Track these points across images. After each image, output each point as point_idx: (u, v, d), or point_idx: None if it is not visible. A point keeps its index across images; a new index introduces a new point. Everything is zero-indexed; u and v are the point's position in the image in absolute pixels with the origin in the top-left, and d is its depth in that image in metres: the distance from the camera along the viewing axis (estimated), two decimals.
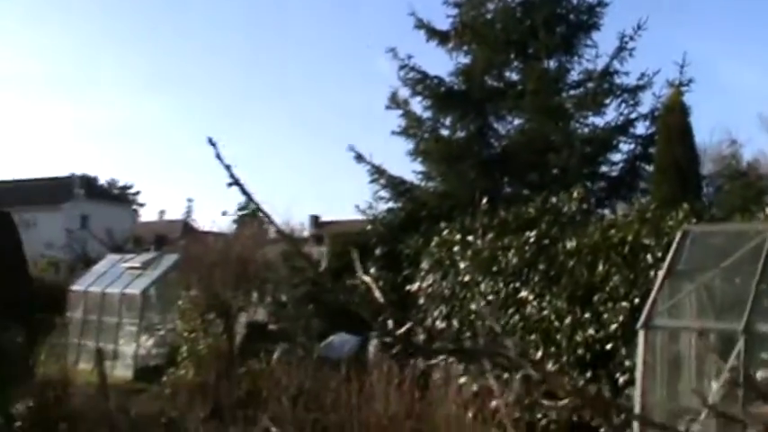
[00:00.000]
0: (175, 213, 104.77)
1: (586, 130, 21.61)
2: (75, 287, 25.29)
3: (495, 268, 13.32)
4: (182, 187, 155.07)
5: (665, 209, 12.07)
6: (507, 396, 9.28)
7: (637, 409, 8.35)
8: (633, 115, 21.20)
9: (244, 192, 3.00)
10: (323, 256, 21.47)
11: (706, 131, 41.72)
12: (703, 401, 6.33)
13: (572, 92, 21.99)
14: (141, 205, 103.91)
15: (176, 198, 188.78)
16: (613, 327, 11.00)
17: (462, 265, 14.00)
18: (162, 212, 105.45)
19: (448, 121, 22.52)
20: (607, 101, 21.29)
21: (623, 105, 21.16)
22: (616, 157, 21.60)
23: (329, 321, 18.75)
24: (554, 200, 14.51)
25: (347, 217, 36.70)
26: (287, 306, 21.08)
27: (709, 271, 9.11)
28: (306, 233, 55.40)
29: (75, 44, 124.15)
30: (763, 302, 8.48)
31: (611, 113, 21.35)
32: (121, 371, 21.05)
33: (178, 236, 49.32)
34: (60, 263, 43.03)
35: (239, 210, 36.34)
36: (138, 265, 23.78)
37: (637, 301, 10.65)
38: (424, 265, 15.29)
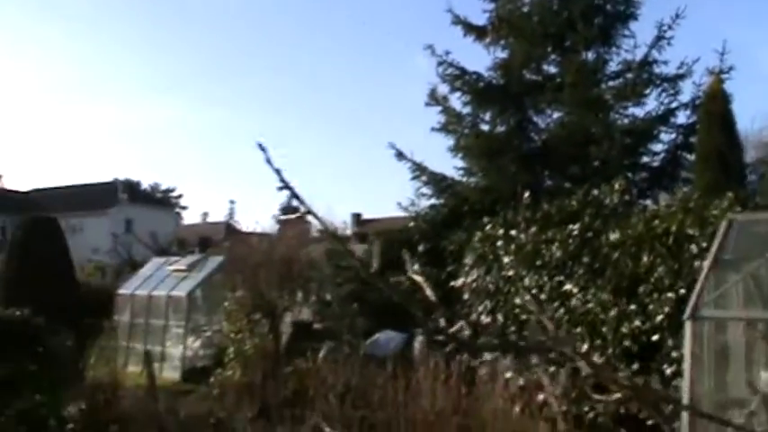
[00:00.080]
0: (218, 215, 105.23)
1: (626, 120, 21.48)
2: (121, 291, 25.57)
3: (538, 262, 13.29)
4: (224, 189, 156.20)
5: (708, 198, 11.99)
6: (555, 389, 9.30)
7: (685, 401, 8.30)
8: (674, 104, 21.06)
9: (294, 195, 3.05)
10: (371, 255, 21.48)
11: (747, 119, 41.18)
12: (753, 390, 6.30)
13: (611, 83, 21.87)
14: (184, 208, 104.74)
15: (219, 200, 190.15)
16: (659, 318, 10.93)
17: (506, 260, 13.98)
18: (205, 215, 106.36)
19: (487, 116, 22.51)
20: (647, 91, 21.15)
21: (663, 95, 21.03)
22: (657, 147, 21.47)
23: (374, 319, 18.79)
24: (596, 192, 14.45)
25: (389, 214, 36.83)
26: (332, 305, 21.16)
27: (756, 260, 9.03)
28: (348, 231, 55.48)
29: (114, 49, 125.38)
30: None
31: (651, 103, 21.23)
32: (169, 372, 21.24)
33: (221, 237, 49.62)
34: (106, 267, 43.49)
35: (282, 210, 36.50)
36: (183, 267, 23.97)
37: (682, 291, 10.58)
38: (468, 260, 15.28)
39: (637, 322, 11.23)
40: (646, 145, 21.28)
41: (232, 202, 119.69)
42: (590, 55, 21.89)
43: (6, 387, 12.02)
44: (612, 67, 21.93)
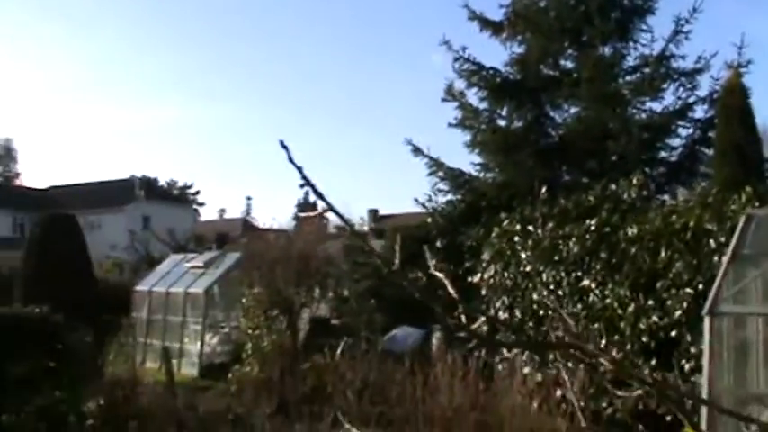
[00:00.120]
0: (235, 212, 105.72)
1: (644, 115, 21.39)
2: (139, 287, 25.65)
3: (556, 257, 13.27)
4: (240, 186, 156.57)
5: (726, 193, 11.94)
6: (573, 385, 9.28)
7: (704, 396, 8.29)
8: (691, 99, 20.94)
9: (316, 192, 3.06)
10: (393, 252, 21.49)
11: (766, 113, 41.00)
12: None
13: (628, 78, 21.77)
14: (201, 205, 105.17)
15: (235, 197, 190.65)
16: (677, 313, 10.91)
17: (523, 256, 13.97)
18: (222, 211, 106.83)
19: (504, 112, 22.45)
20: (664, 85, 21.05)
21: (681, 89, 20.92)
22: (675, 141, 21.34)
23: (392, 315, 18.81)
24: (614, 187, 14.43)
25: (406, 210, 36.88)
26: (349, 301, 21.19)
27: None
28: (366, 228, 55.54)
29: (128, 48, 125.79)
30: None
31: (668, 98, 21.12)
32: (187, 369, 21.30)
33: (239, 234, 49.69)
34: (124, 264, 43.62)
35: (299, 207, 36.57)
36: (200, 264, 24.04)
37: (700, 287, 10.56)
38: (485, 256, 15.27)
39: (655, 318, 11.20)
40: (663, 140, 21.18)
41: (249, 198, 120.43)
42: (607, 50, 21.81)
43: (26, 384, 12.08)
44: (630, 61, 21.86)
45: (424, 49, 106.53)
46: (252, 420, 13.18)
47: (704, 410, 7.23)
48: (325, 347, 15.30)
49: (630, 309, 11.53)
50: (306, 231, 20.96)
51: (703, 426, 7.48)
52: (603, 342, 11.51)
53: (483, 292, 14.96)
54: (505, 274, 14.41)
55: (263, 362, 16.55)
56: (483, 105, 22.43)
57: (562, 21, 21.71)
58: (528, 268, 13.77)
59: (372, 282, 20.34)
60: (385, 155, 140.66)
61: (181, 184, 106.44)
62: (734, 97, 15.46)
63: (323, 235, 21.87)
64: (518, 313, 13.79)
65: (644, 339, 11.30)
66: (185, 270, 24.33)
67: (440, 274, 3.39)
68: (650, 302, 11.35)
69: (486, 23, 22.41)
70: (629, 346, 11.38)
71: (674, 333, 10.93)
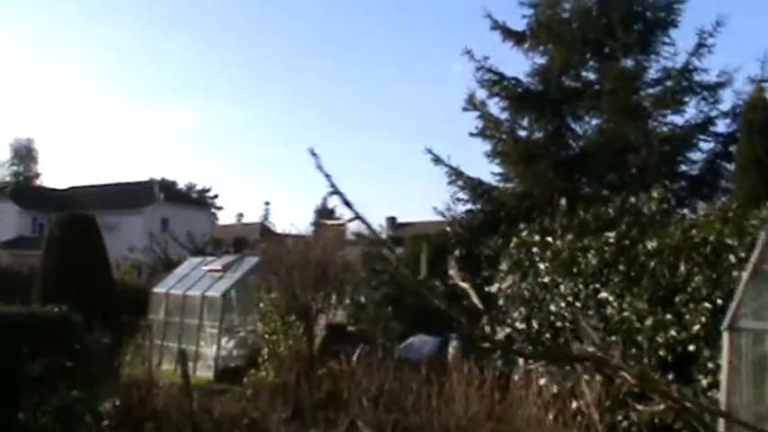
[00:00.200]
0: (253, 216, 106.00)
1: (665, 128, 21.36)
2: (156, 289, 25.73)
3: (574, 269, 13.23)
4: (258, 190, 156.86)
5: (747, 207, 11.90)
6: (589, 397, 9.25)
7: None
8: (713, 113, 20.94)
9: (344, 201, 3.07)
10: (412, 260, 21.49)
11: None
12: None
13: (650, 90, 21.75)
14: (219, 209, 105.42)
15: (253, 201, 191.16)
16: (695, 328, 10.85)
17: (542, 266, 13.93)
18: (240, 215, 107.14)
19: (525, 122, 22.48)
20: (686, 99, 21.04)
21: (703, 103, 20.92)
22: (696, 155, 21.33)
23: (409, 323, 18.80)
24: (633, 200, 14.38)
25: (424, 218, 36.84)
26: (366, 308, 21.19)
27: None
28: (384, 235, 55.54)
29: (149, 50, 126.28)
30: None
31: (690, 111, 21.13)
32: (202, 372, 21.35)
33: (256, 238, 49.79)
34: (142, 265, 43.78)
35: (318, 213, 36.63)
36: (218, 267, 24.09)
37: (719, 302, 10.51)
38: (504, 266, 15.23)
39: (672, 332, 11.15)
40: (684, 153, 21.14)
41: (267, 203, 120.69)
42: (629, 62, 21.80)
43: (43, 383, 12.12)
44: (652, 74, 21.85)
45: (445, 57, 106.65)
46: (267, 425, 13.18)
47: (722, 427, 7.19)
48: (341, 354, 15.30)
49: (648, 322, 11.48)
50: (324, 237, 20.97)
51: None
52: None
53: (500, 302, 14.94)
54: (523, 284, 14.37)
55: (279, 367, 16.57)
56: (504, 115, 22.50)
57: (585, 32, 21.71)
58: (546, 279, 13.73)
59: (390, 289, 20.34)
60: (404, 162, 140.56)
61: (200, 187, 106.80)
62: (756, 112, 15.43)
63: (341, 241, 21.86)
64: (535, 324, 13.75)
65: (661, 353, 11.24)
66: (203, 273, 24.38)
67: (465, 285, 3.40)
68: (668, 316, 11.30)
69: (508, 33, 22.43)
70: (646, 360, 11.34)
71: (691, 347, 10.88)
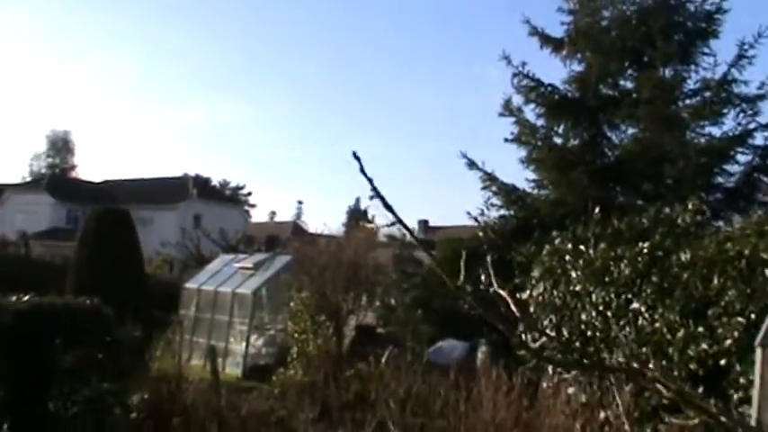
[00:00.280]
0: (285, 215, 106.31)
1: (703, 140, 21.16)
2: (188, 285, 25.88)
3: (607, 278, 13.16)
4: (292, 189, 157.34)
5: None
6: (617, 407, 9.21)
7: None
8: (752, 125, 20.71)
9: (385, 204, 3.09)
10: (444, 264, 21.49)
11: None
12: None
13: (688, 101, 21.57)
14: (252, 206, 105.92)
15: (286, 200, 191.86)
16: (728, 342, 10.77)
17: (574, 275, 13.87)
18: (272, 214, 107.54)
19: (561, 129, 22.39)
20: (725, 110, 20.82)
21: (741, 115, 20.68)
22: (733, 168, 21.08)
23: (438, 326, 18.79)
24: (668, 211, 14.29)
25: (456, 222, 36.78)
26: (396, 310, 21.21)
27: None
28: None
29: (189, 47, 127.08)
30: None
31: (728, 123, 20.90)
32: (231, 368, 21.44)
33: (288, 237, 49.92)
34: (174, 261, 44.03)
35: (350, 213, 36.64)
36: (250, 265, 24.20)
37: (753, 316, 10.42)
38: (535, 273, 15.18)
39: (704, 345, 11.06)
40: (721, 165, 20.94)
41: (300, 202, 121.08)
42: (668, 72, 21.64)
43: (75, 374, 12.21)
44: (690, 84, 21.64)
45: (481, 62, 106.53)
46: (294, 424, 13.23)
47: None
48: (370, 355, 15.32)
49: (680, 334, 11.40)
50: (356, 238, 21.01)
51: None
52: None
53: (531, 309, 14.89)
54: (555, 292, 14.31)
55: (308, 366, 16.63)
56: (540, 122, 22.41)
57: (623, 40, 21.60)
58: (578, 288, 13.67)
59: (420, 292, 20.33)
60: (438, 166, 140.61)
61: (233, 184, 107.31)
62: None
63: (373, 243, 21.91)
64: (565, 332, 13.70)
65: (692, 366, 11.17)
66: (235, 270, 24.51)
67: (503, 292, 3.40)
68: (700, 329, 11.21)
69: (546, 40, 22.37)
70: (676, 373, 11.27)
71: (723, 362, 10.79)
